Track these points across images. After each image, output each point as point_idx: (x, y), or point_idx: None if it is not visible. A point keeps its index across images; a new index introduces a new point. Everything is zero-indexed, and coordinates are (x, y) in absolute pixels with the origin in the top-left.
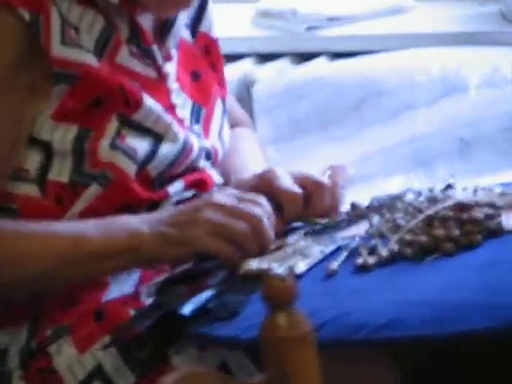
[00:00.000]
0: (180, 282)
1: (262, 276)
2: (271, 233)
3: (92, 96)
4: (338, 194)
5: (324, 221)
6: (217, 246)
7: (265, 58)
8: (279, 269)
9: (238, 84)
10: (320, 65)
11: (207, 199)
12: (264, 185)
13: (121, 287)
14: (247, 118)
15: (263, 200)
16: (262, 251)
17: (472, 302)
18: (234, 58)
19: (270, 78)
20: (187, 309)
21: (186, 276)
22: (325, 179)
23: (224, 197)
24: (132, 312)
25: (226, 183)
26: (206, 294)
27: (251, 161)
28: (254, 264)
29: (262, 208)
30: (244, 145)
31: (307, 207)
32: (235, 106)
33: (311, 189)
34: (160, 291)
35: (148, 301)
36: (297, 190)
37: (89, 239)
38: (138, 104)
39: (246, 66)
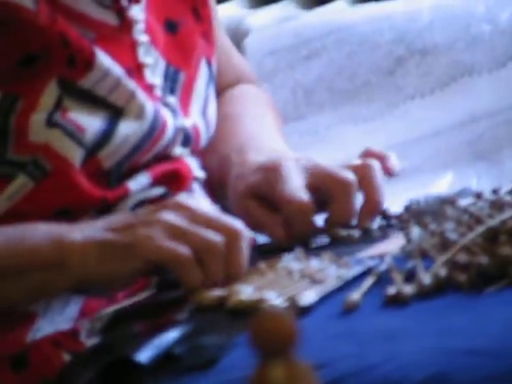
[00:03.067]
0: (135, 316)
1: (249, 310)
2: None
3: (23, 50)
4: (376, 193)
5: (346, 232)
6: (174, 249)
7: None
8: (276, 299)
9: None
10: (339, 10)
11: (169, 200)
12: (266, 186)
13: (53, 321)
14: (253, 76)
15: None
16: (232, 274)
17: None
18: None
19: (268, 27)
20: (145, 354)
21: (144, 308)
22: (351, 177)
23: (193, 201)
24: (67, 357)
25: (217, 175)
26: (171, 335)
27: (259, 135)
28: (241, 292)
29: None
30: (249, 110)
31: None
32: (236, 58)
33: (332, 191)
34: (107, 328)
35: (90, 341)
36: (304, 197)
37: None
38: (87, 64)
39: (235, 11)
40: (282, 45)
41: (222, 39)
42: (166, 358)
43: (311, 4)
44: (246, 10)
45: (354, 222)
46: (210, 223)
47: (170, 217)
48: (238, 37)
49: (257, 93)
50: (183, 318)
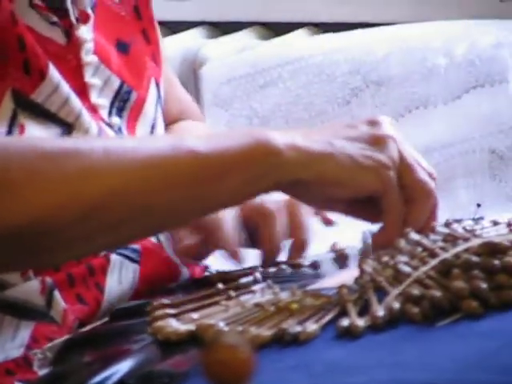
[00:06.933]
0: (88, 345)
1: (202, 341)
2: None
3: None
4: (301, 231)
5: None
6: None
7: (219, 28)
8: (266, 332)
9: (181, 64)
10: (297, 40)
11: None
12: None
13: (4, 348)
14: (198, 111)
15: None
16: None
17: None
18: (176, 27)
19: (225, 56)
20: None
21: (97, 337)
22: (272, 208)
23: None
24: None
25: None
26: (124, 364)
27: None
28: (214, 326)
29: None
30: None
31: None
32: (180, 91)
33: (256, 222)
34: (60, 358)
35: (43, 371)
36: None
37: (191, 145)
38: (41, 73)
39: (192, 40)
40: (238, 74)
41: (166, 70)
42: None
43: (270, 34)
44: (203, 40)
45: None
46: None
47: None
48: (196, 66)
49: (205, 128)
50: (136, 348)
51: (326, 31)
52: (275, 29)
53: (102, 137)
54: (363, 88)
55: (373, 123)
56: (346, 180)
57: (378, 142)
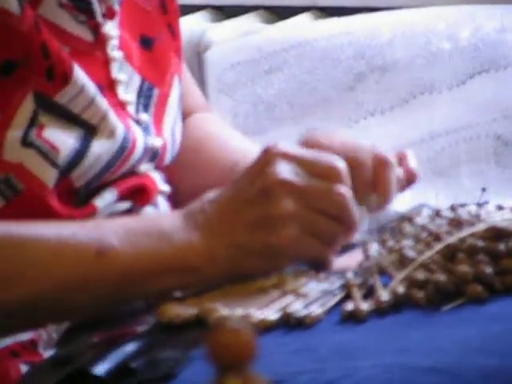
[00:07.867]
0: (93, 326)
1: (205, 325)
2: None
3: (3, 56)
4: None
5: None
6: (317, 249)
7: (224, 12)
8: (272, 314)
9: (185, 49)
10: (302, 24)
11: (272, 180)
12: None
13: None
14: (206, 103)
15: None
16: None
17: (506, 371)
18: (180, 10)
19: (230, 41)
20: (102, 367)
21: (102, 319)
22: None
23: (288, 172)
24: (25, 368)
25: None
26: (128, 347)
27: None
28: (217, 310)
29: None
30: (227, 131)
31: None
32: (193, 85)
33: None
34: (65, 339)
35: (48, 353)
36: None
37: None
38: (65, 77)
39: (196, 24)
40: (243, 58)
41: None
42: (123, 371)
43: (274, 18)
44: (208, 24)
45: None
46: (320, 197)
47: (292, 206)
48: (200, 50)
49: (216, 121)
50: (141, 331)
51: (330, 15)
52: (279, 13)
53: (20, 226)
54: (367, 73)
55: (260, 174)
56: (257, 271)
57: (266, 196)
